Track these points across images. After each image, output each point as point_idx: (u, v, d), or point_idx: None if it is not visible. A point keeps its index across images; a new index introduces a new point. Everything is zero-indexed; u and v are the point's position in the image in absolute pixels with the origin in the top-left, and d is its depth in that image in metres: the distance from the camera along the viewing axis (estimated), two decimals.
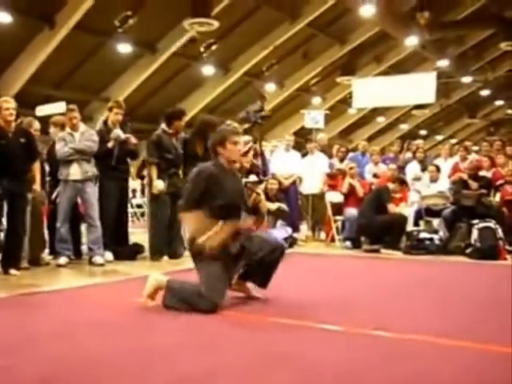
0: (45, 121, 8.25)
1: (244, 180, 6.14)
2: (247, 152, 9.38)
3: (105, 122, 8.04)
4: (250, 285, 5.04)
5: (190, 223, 4.78)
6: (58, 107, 7.80)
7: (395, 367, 3.15)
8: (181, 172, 7.78)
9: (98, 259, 7.31)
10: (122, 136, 7.69)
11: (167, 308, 4.41)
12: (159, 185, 7.57)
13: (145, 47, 17.79)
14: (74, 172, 7.30)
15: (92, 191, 7.44)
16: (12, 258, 6.48)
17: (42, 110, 9.56)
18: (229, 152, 4.69)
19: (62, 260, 7.23)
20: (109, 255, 7.59)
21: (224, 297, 4.49)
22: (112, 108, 7.94)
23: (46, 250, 7.84)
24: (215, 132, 4.93)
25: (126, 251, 7.92)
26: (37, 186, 6.71)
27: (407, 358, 3.32)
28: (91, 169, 7.44)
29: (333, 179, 10.70)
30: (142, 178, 9.78)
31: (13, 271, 6.37)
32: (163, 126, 7.77)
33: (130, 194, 8.86)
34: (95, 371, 3.06)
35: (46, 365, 3.17)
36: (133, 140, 7.82)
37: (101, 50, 17.17)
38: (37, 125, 7.40)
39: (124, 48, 16.90)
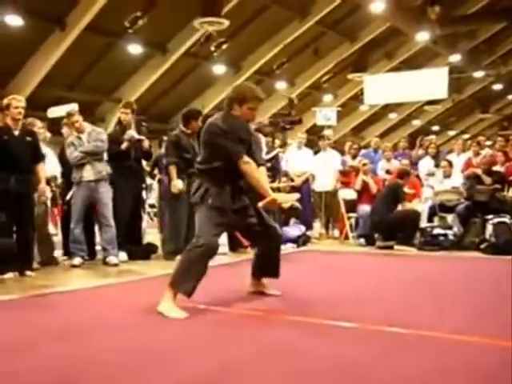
0: (56, 122, 8.28)
1: None
2: None
3: (119, 123, 8.11)
4: (266, 282, 5.05)
5: (256, 173, 4.49)
6: (71, 108, 7.79)
7: (409, 363, 3.13)
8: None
9: (112, 259, 7.32)
10: (136, 137, 7.73)
11: (185, 293, 4.33)
12: (179, 184, 7.60)
13: (155, 47, 17.83)
14: (88, 174, 7.33)
15: (105, 191, 7.44)
16: (25, 259, 6.47)
17: (53, 112, 9.56)
18: (243, 114, 4.55)
19: (77, 261, 7.25)
20: (123, 255, 7.63)
21: (213, 235, 4.46)
22: (121, 108, 8.10)
23: (60, 251, 7.88)
24: (238, 87, 4.81)
25: (139, 251, 7.97)
26: (42, 186, 6.70)
27: (421, 353, 3.30)
28: (105, 167, 7.46)
29: (346, 176, 10.69)
30: (153, 177, 9.80)
31: (28, 272, 6.38)
32: (181, 126, 7.80)
33: (145, 195, 8.81)
34: (106, 371, 3.06)
35: (56, 365, 3.18)
36: (146, 144, 7.89)
37: (112, 50, 17.23)
38: (39, 124, 7.42)
39: (134, 49, 16.95)
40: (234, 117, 4.54)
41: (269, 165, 9.82)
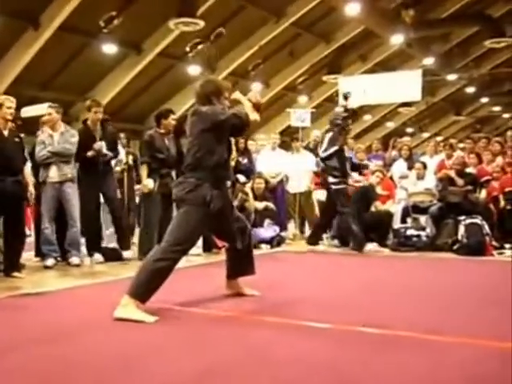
0: (30, 122, 8.19)
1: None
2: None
3: (84, 122, 7.97)
4: (242, 283, 5.06)
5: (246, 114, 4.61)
6: (44, 108, 7.72)
7: (384, 363, 3.16)
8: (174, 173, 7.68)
9: (74, 260, 7.30)
10: (104, 151, 7.62)
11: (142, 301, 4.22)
12: (149, 184, 7.58)
13: (130, 47, 17.72)
14: (53, 174, 7.30)
15: (72, 191, 7.41)
16: (15, 260, 6.44)
17: (27, 112, 9.45)
18: (221, 106, 4.58)
19: (49, 262, 7.19)
20: (98, 256, 7.57)
21: (191, 245, 4.45)
22: (91, 107, 7.82)
23: (32, 253, 7.82)
24: (209, 82, 4.83)
25: (112, 252, 7.89)
26: (31, 187, 6.68)
27: (395, 354, 3.33)
28: (70, 170, 7.42)
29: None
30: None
31: (16, 273, 6.36)
32: (155, 127, 7.80)
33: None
34: (85, 374, 3.04)
35: (35, 367, 3.16)
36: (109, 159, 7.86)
37: (86, 50, 17.08)
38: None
39: (109, 48, 16.82)
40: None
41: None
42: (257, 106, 4.47)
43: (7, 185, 6.24)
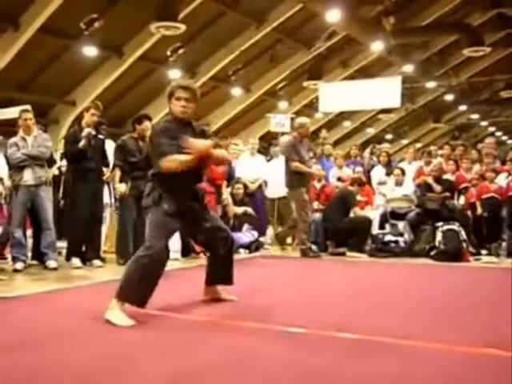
0: (7, 124, 8.14)
1: None
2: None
3: (79, 123, 7.95)
4: (220, 288, 5.05)
5: (176, 162, 4.33)
6: (16, 111, 7.69)
7: (359, 368, 3.17)
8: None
9: (51, 263, 7.24)
10: (93, 132, 7.53)
11: (138, 304, 4.26)
12: (121, 187, 7.60)
13: (111, 50, 17.67)
14: (28, 177, 7.24)
15: (46, 195, 7.38)
16: None
17: (3, 113, 9.41)
18: (173, 108, 4.56)
19: (19, 265, 7.12)
20: (76, 261, 7.48)
21: (164, 242, 4.41)
22: (89, 109, 7.78)
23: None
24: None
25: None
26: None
27: (371, 359, 3.34)
28: (44, 174, 7.38)
29: None
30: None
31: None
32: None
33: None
34: (61, 381, 3.02)
35: (9, 375, 3.13)
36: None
37: (66, 52, 17.00)
38: None
39: (90, 51, 16.76)
40: (167, 118, 4.67)
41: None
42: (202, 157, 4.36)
43: None
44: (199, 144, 4.31)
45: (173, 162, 4.33)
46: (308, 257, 8.82)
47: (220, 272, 4.96)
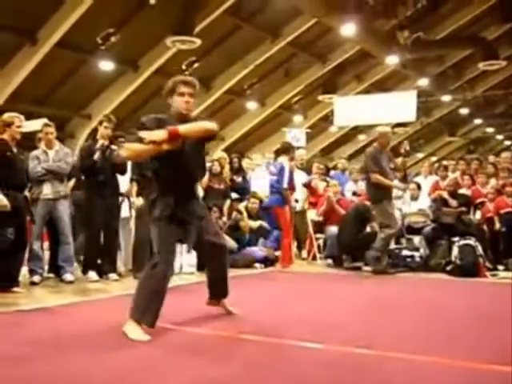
0: (25, 137, 8.19)
1: None
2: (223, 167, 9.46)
3: (93, 137, 8.00)
4: (224, 301, 5.06)
5: (126, 150, 4.39)
6: (38, 124, 7.74)
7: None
8: None
9: (67, 277, 7.29)
10: (106, 143, 7.56)
11: (148, 324, 4.25)
12: (137, 201, 7.63)
13: (127, 65, 17.79)
14: (47, 191, 7.32)
15: (64, 208, 7.45)
16: (13, 275, 6.51)
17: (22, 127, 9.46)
18: (176, 103, 4.51)
19: (36, 278, 7.18)
20: (92, 274, 7.51)
21: (169, 258, 4.38)
22: (102, 122, 7.84)
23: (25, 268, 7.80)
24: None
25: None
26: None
27: (390, 375, 3.32)
28: (63, 188, 7.48)
29: (314, 197, 10.73)
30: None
31: (17, 289, 6.45)
32: None
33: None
34: None
35: None
36: (117, 153, 7.57)
37: (83, 67, 17.13)
38: None
39: (106, 65, 16.89)
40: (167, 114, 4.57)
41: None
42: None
43: (18, 201, 6.36)
44: (153, 134, 4.21)
45: (126, 150, 4.34)
46: (385, 273, 8.34)
47: (215, 286, 4.96)
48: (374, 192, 8.63)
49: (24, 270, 7.59)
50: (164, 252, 4.35)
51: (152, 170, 4.50)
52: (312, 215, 10.46)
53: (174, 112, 4.53)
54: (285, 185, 9.24)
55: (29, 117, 10.37)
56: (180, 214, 4.41)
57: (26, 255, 7.10)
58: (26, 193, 6.87)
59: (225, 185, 9.69)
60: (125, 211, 8.21)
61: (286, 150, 9.66)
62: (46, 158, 7.36)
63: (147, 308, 4.24)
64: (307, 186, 10.75)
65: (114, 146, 7.63)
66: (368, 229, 9.26)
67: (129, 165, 7.83)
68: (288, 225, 9.42)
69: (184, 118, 4.47)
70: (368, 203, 9.40)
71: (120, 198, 8.16)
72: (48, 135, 7.43)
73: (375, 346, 3.88)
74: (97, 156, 7.47)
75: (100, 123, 7.88)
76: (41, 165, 7.29)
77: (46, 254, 7.88)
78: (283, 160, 9.40)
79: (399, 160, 11.60)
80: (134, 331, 4.16)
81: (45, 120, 7.92)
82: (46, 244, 8.12)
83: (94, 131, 8.02)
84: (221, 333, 4.38)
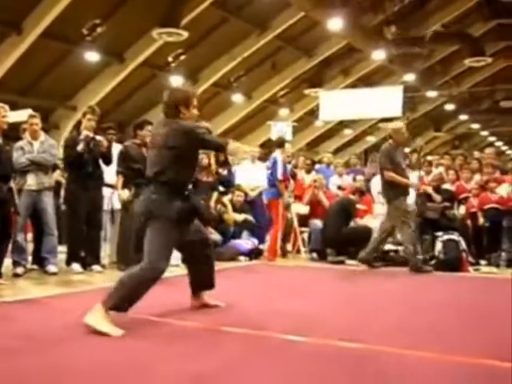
0: (10, 128, 8.14)
1: None
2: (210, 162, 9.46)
3: (77, 128, 7.94)
4: (207, 294, 5.08)
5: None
6: (24, 114, 7.70)
7: (362, 378, 3.17)
8: None
9: (51, 268, 7.26)
10: (91, 135, 7.48)
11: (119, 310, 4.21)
12: (123, 194, 7.57)
13: (113, 56, 17.71)
14: (31, 182, 7.26)
15: (48, 200, 7.40)
16: None
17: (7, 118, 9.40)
18: (190, 116, 4.45)
19: (19, 270, 7.14)
20: (76, 266, 7.48)
21: (168, 262, 4.34)
22: (85, 114, 7.73)
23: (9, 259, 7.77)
24: (176, 91, 4.59)
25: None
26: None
27: (374, 369, 3.34)
28: (47, 180, 7.42)
29: (299, 190, 10.74)
30: None
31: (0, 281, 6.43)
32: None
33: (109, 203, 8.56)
34: None
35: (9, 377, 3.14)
36: (104, 142, 7.56)
37: (68, 57, 17.05)
38: None
39: (92, 56, 16.81)
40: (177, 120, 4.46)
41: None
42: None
43: (2, 192, 6.30)
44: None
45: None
46: (421, 272, 8.00)
47: (202, 278, 4.96)
48: (387, 190, 8.41)
49: (7, 261, 7.58)
50: (165, 257, 4.28)
51: (172, 174, 4.36)
52: (296, 209, 10.46)
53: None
54: (279, 176, 9.38)
55: (13, 107, 10.31)
56: (185, 212, 4.39)
57: (10, 247, 7.07)
58: (12, 184, 6.83)
59: (213, 177, 9.68)
60: (115, 203, 8.21)
61: (281, 144, 9.85)
62: (31, 148, 7.31)
63: (129, 299, 4.19)
64: (293, 177, 10.74)
65: (98, 137, 7.59)
66: (352, 223, 9.29)
67: (115, 157, 7.80)
68: (279, 217, 9.51)
69: None
70: (352, 197, 9.45)
71: (110, 191, 8.16)
72: (33, 126, 7.37)
73: (360, 340, 3.89)
74: (81, 147, 7.42)
75: (84, 115, 7.79)
76: (25, 156, 7.23)
77: (30, 246, 7.84)
78: (277, 154, 9.58)
79: (415, 157, 11.61)
80: (102, 324, 4.07)
81: (30, 111, 7.88)
82: (30, 235, 8.09)
83: (79, 123, 7.93)
84: (205, 325, 4.38)
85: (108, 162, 7.74)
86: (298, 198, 10.63)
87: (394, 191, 8.27)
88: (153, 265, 4.22)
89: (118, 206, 8.17)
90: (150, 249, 4.26)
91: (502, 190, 9.52)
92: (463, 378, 3.21)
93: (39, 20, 14.43)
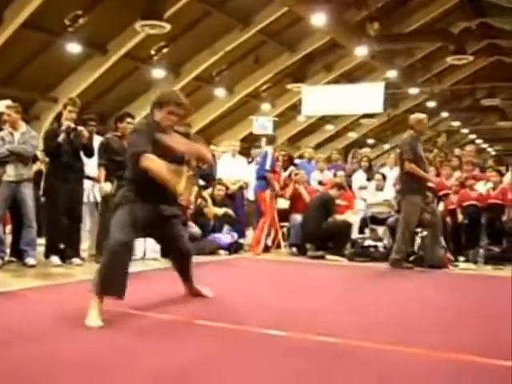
0: None
1: None
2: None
3: (58, 119, 7.89)
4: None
5: (157, 166, 4.25)
6: (2, 105, 7.64)
7: (341, 373, 3.19)
8: None
9: (30, 260, 7.22)
10: (72, 126, 7.44)
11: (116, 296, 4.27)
12: (105, 187, 7.55)
13: (95, 48, 17.58)
14: (10, 173, 7.21)
15: (28, 191, 7.34)
16: None
17: None
18: (162, 119, 4.51)
19: None
20: (55, 259, 7.44)
21: (129, 237, 4.39)
22: (66, 105, 7.67)
23: None
24: (160, 93, 4.74)
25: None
26: None
27: (353, 364, 3.36)
28: (27, 172, 7.36)
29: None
30: None
31: None
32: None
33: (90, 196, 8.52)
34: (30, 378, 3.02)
35: None
36: (85, 133, 7.51)
37: (50, 48, 16.89)
38: None
39: (73, 48, 16.66)
40: (148, 119, 4.61)
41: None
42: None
43: None
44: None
45: (153, 163, 4.27)
46: (400, 268, 7.96)
47: (184, 272, 5.14)
48: (405, 182, 8.21)
49: None
50: (119, 230, 4.37)
51: (133, 174, 4.53)
52: (279, 204, 10.48)
53: (156, 122, 4.56)
54: (267, 167, 9.76)
55: None
56: (154, 216, 4.55)
57: None
58: None
59: (193, 171, 9.65)
60: (95, 196, 8.19)
61: (272, 140, 10.57)
62: (12, 139, 7.24)
63: (111, 276, 4.25)
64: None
65: (80, 127, 7.55)
66: (330, 219, 9.32)
67: (96, 149, 7.77)
68: (267, 208, 9.87)
69: (163, 130, 4.52)
70: (332, 192, 9.50)
71: (91, 183, 8.13)
72: (10, 116, 7.30)
73: (341, 335, 3.91)
74: (61, 138, 7.37)
75: (64, 106, 7.73)
76: (5, 146, 7.18)
77: (9, 238, 7.79)
78: (267, 148, 10.21)
79: (435, 152, 11.56)
80: (90, 315, 4.11)
81: (8, 102, 7.82)
82: (9, 228, 8.03)
83: (60, 114, 7.88)
84: (183, 318, 4.38)
85: (90, 154, 7.70)
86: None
87: (411, 185, 8.04)
88: (113, 238, 4.31)
89: (99, 198, 8.15)
90: (111, 228, 4.42)
91: (481, 188, 9.62)
92: (437, 373, 3.23)
93: (20, 10, 14.28)
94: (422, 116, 8.41)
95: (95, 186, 8.14)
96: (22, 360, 3.26)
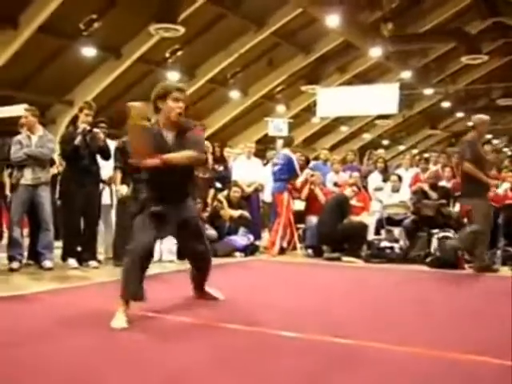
0: (5, 123, 8.14)
1: None
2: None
3: (74, 123, 7.92)
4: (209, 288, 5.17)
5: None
6: (19, 109, 7.69)
7: (354, 374, 3.18)
8: None
9: (47, 263, 7.26)
10: (88, 128, 7.48)
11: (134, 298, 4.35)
12: (122, 189, 7.58)
13: (109, 51, 17.65)
14: (27, 176, 7.25)
15: (45, 195, 7.38)
16: None
17: (1, 112, 9.40)
18: (169, 109, 4.50)
19: (15, 265, 7.16)
20: (72, 261, 7.48)
21: (144, 238, 4.42)
22: (82, 109, 7.72)
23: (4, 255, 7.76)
24: (157, 86, 4.69)
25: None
26: None
27: (366, 364, 3.35)
28: (44, 175, 7.40)
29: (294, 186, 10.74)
30: None
31: None
32: None
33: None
34: (56, 376, 3.02)
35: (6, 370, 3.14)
36: (101, 135, 7.57)
37: (65, 52, 16.98)
38: None
39: (88, 52, 16.74)
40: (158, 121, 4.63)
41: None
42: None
43: None
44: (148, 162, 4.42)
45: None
46: (488, 272, 7.77)
47: (197, 281, 5.19)
48: (465, 184, 8.01)
49: (3, 256, 7.59)
50: (141, 234, 4.42)
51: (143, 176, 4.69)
52: (294, 205, 10.47)
53: (165, 119, 4.56)
54: (299, 173, 10.10)
55: (9, 102, 10.31)
56: (170, 213, 4.55)
57: (6, 241, 7.06)
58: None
59: (210, 174, 9.68)
60: (106, 199, 8.20)
61: (290, 142, 10.63)
62: (29, 142, 7.29)
63: (129, 283, 4.31)
64: None
65: (96, 130, 7.58)
66: (346, 220, 9.29)
67: (112, 152, 7.79)
68: (283, 211, 9.89)
69: (175, 125, 4.54)
70: (347, 193, 9.48)
71: (101, 186, 8.14)
72: (28, 120, 7.35)
73: (354, 336, 3.90)
74: (78, 140, 7.41)
75: (80, 110, 7.78)
76: (23, 150, 7.22)
77: (26, 241, 7.84)
78: (288, 152, 10.18)
79: (494, 155, 11.40)
80: (116, 318, 4.18)
81: (25, 105, 7.86)
82: (26, 231, 8.08)
83: (76, 118, 7.91)
84: (199, 321, 4.39)
85: (107, 156, 7.74)
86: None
87: (471, 188, 7.80)
88: (131, 244, 4.41)
89: (108, 201, 8.19)
90: (134, 233, 4.48)
91: (499, 188, 9.54)
92: (450, 373, 3.22)
93: (36, 15, 14.37)
94: (486, 117, 8.18)
95: (104, 189, 8.17)
96: (34, 361, 3.28)
